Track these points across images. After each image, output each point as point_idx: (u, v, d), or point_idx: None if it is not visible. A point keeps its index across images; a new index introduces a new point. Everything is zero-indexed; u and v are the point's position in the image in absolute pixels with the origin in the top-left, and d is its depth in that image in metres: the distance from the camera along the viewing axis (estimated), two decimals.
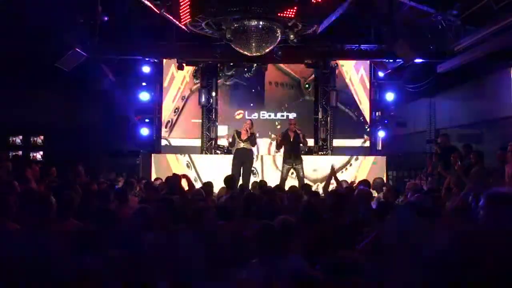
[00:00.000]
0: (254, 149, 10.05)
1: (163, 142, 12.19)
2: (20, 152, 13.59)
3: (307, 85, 12.42)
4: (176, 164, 10.87)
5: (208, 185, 6.95)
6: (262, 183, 7.81)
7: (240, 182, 8.92)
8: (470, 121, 12.50)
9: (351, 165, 10.86)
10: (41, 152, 13.98)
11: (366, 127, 12.29)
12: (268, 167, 10.88)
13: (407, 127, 13.10)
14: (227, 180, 7.10)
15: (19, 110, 12.94)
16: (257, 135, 10.47)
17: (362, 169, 10.85)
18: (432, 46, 9.99)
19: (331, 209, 4.72)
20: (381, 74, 12.00)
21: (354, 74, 12.33)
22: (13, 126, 13.58)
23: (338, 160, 10.78)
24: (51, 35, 9.49)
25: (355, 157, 11.00)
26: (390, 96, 12.17)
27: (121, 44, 10.76)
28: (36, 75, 11.53)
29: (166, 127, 12.21)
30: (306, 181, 9.58)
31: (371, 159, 11.14)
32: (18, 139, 14.08)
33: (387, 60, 11.26)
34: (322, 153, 11.93)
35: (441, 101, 14.01)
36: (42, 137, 14.12)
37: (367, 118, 12.28)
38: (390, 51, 10.30)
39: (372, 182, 7.80)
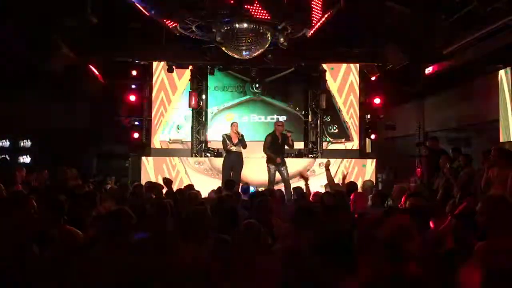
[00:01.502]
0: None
1: (154, 145, 12.12)
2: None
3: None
4: (166, 167, 10.83)
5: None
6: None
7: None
8: (459, 124, 12.58)
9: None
10: (29, 156, 13.85)
11: (353, 131, 12.33)
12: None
13: (396, 130, 13.15)
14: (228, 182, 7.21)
15: (7, 113, 12.81)
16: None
17: (352, 172, 10.88)
18: (421, 50, 10.06)
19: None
20: (372, 78, 12.03)
21: (343, 77, 12.37)
22: (0, 129, 13.45)
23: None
24: (39, 37, 9.41)
25: (341, 159, 11.08)
26: (379, 99, 12.23)
27: (111, 46, 10.70)
28: (24, 77, 11.43)
29: None
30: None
31: (360, 162, 11.20)
32: (6, 143, 13.94)
33: (376, 64, 11.33)
34: (312, 156, 11.95)
35: (430, 104, 14.09)
36: (30, 140, 13.98)
37: (357, 121, 12.33)
38: (380, 54, 10.37)
39: (362, 185, 7.83)
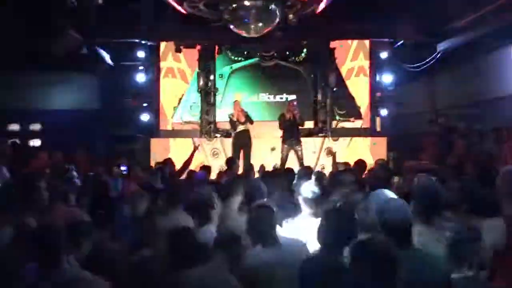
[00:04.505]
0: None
1: (162, 127, 12.08)
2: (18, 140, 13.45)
3: None
4: (175, 149, 10.81)
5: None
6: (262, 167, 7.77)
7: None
8: (471, 101, 12.40)
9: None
10: (39, 139, 13.85)
11: (362, 109, 12.20)
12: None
13: (407, 108, 12.99)
14: (229, 161, 7.19)
15: (16, 97, 12.79)
16: None
17: (363, 150, 10.81)
18: (433, 25, 9.89)
19: None
20: (383, 55, 11.80)
21: (353, 54, 12.20)
22: (10, 113, 13.43)
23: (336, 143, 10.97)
24: (45, 19, 9.34)
25: (349, 138, 11.08)
26: (389, 77, 12.04)
27: (117, 27, 10.60)
28: (32, 60, 11.38)
29: None
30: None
31: (370, 140, 11.12)
32: (15, 126, 13.93)
33: (387, 40, 11.14)
34: (321, 135, 11.84)
35: (441, 81, 13.89)
36: (39, 123, 13.97)
37: (367, 99, 12.20)
38: (391, 30, 10.20)
39: (375, 164, 7.73)
